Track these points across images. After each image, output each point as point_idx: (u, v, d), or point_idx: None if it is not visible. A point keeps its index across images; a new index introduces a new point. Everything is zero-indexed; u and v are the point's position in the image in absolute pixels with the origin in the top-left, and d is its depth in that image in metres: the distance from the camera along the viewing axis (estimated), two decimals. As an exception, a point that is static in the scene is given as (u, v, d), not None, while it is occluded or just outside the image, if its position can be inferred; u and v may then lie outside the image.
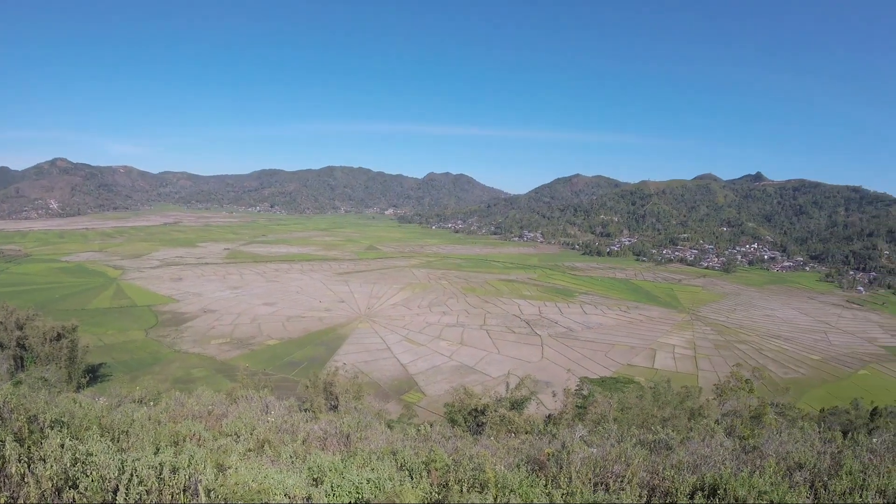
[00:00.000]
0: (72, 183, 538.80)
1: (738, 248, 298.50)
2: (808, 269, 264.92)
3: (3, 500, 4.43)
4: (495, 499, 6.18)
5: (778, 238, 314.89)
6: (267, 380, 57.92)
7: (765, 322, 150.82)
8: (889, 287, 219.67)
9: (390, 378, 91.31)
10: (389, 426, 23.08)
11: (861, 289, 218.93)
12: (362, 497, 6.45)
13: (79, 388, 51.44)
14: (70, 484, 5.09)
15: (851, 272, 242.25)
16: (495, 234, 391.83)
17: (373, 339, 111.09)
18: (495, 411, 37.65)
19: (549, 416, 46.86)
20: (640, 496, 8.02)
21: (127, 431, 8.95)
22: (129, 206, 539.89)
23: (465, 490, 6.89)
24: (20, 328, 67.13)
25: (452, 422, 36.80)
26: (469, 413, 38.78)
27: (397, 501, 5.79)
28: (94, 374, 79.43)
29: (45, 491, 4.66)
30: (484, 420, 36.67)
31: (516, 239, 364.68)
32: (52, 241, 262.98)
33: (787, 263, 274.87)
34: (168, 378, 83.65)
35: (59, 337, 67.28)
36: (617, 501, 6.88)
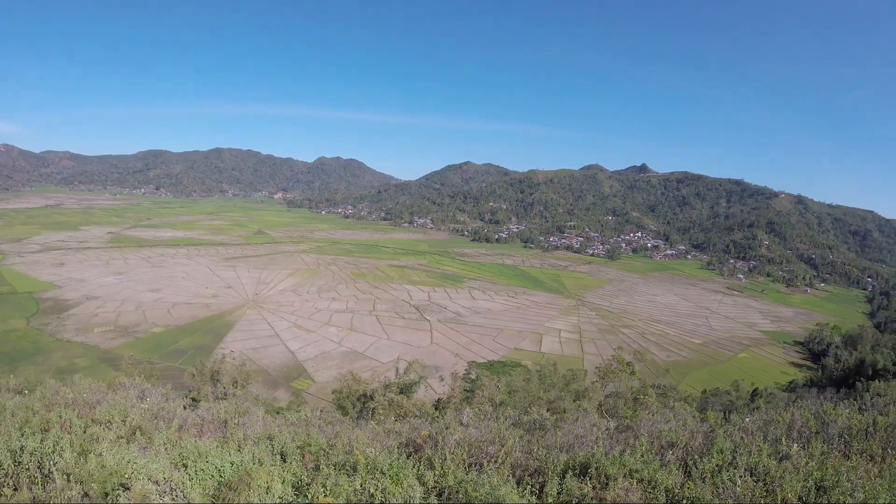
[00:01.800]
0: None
1: (622, 237, 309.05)
2: (689, 257, 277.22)
3: None
4: (363, 480, 6.34)
5: (661, 227, 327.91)
6: (152, 369, 56.21)
7: (648, 307, 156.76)
8: (768, 275, 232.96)
9: (279, 365, 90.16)
10: (277, 412, 22.93)
11: (741, 276, 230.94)
12: (224, 478, 6.51)
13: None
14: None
15: (732, 261, 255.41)
16: (385, 219, 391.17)
17: (261, 326, 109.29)
18: (384, 396, 37.78)
19: (439, 400, 47.31)
20: (511, 475, 8.27)
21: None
22: (9, 188, 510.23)
23: (335, 472, 7.03)
24: None
25: (341, 408, 36.73)
26: (357, 399, 38.79)
27: (250, 479, 5.88)
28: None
29: None
30: (373, 405, 36.74)
31: (406, 225, 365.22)
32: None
33: (669, 252, 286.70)
34: (50, 368, 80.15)
35: None
36: (485, 480, 7.14)
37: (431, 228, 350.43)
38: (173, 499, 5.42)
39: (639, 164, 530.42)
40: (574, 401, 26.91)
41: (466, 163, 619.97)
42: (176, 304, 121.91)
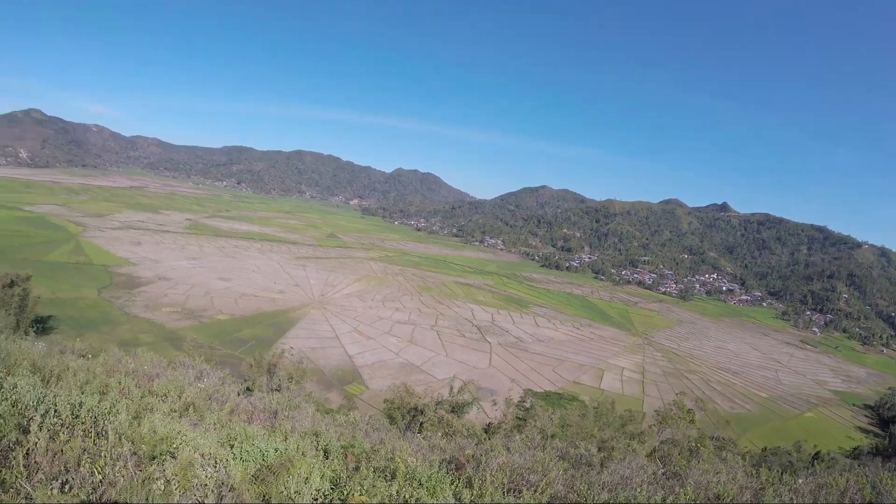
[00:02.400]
0: (43, 135, 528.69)
1: (697, 277, 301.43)
2: (765, 304, 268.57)
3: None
4: (400, 487, 6.39)
5: (738, 271, 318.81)
6: (212, 354, 57.54)
7: (716, 354, 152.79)
8: (844, 331, 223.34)
9: (335, 367, 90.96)
10: (326, 412, 23.15)
11: (816, 330, 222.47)
12: (266, 462, 6.65)
13: (25, 336, 50.74)
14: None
15: (808, 312, 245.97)
16: (457, 236, 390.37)
17: (323, 327, 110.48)
18: (434, 412, 37.79)
19: (489, 424, 47.08)
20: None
21: (59, 376, 9.05)
22: (97, 165, 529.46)
23: (373, 475, 7.10)
24: (-29, 271, 66.11)
25: (390, 418, 36.88)
26: (408, 411, 38.88)
27: (290, 466, 5.99)
28: (42, 326, 77.90)
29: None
30: (422, 420, 36.79)
31: (477, 243, 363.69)
32: (17, 190, 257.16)
33: (744, 297, 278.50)
34: (115, 339, 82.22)
35: (11, 284, 66.30)
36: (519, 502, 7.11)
37: (502, 250, 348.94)
38: (216, 472, 5.57)
39: (720, 203, 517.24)
40: (628, 444, 26.45)
41: (543, 187, 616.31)
42: (244, 294, 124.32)
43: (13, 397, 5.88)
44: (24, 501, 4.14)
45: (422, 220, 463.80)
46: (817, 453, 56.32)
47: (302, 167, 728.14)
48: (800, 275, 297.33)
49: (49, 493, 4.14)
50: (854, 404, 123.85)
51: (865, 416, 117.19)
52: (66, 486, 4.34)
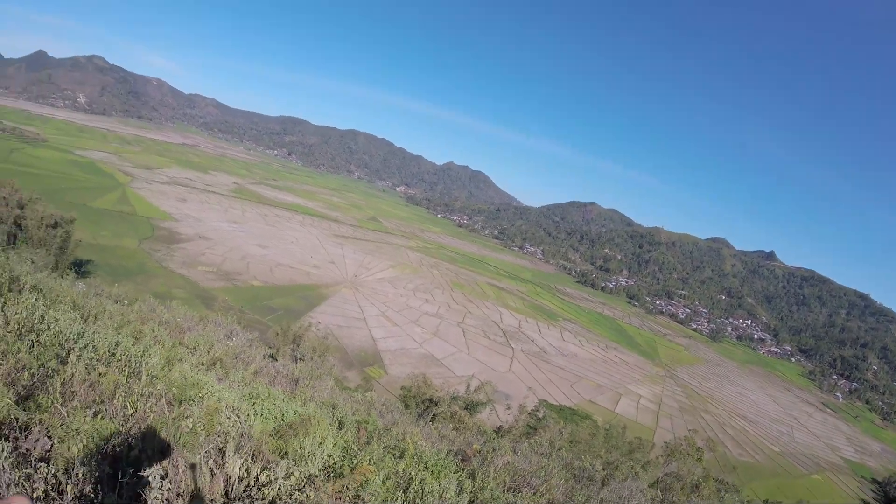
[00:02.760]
0: (103, 82, 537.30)
1: (730, 320, 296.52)
2: (793, 360, 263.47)
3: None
4: (407, 465, 6.62)
5: (773, 322, 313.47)
6: (241, 317, 58.26)
7: (735, 400, 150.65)
8: (867, 402, 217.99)
9: (358, 348, 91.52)
10: (343, 390, 23.53)
11: (839, 395, 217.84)
12: (284, 420, 6.93)
13: (62, 276, 51.88)
14: (32, 329, 5.58)
15: (835, 376, 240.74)
16: (497, 238, 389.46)
17: (352, 307, 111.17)
18: (448, 406, 38.00)
19: (500, 427, 47.13)
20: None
21: (96, 316, 9.42)
22: (153, 119, 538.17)
23: (383, 451, 7.35)
24: (21, 207, 67.43)
25: (405, 405, 37.20)
26: (423, 401, 39.15)
27: (308, 427, 6.24)
28: (79, 269, 79.39)
29: (10, 328, 5.15)
30: (436, 412, 37.05)
31: (516, 249, 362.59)
32: (71, 133, 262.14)
33: (774, 349, 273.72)
34: (149, 290, 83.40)
35: (55, 225, 67.62)
36: (518, 501, 7.30)
37: (540, 259, 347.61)
38: (238, 422, 5.85)
39: (767, 251, 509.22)
40: (631, 465, 26.43)
41: (591, 203, 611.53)
42: (279, 264, 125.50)
43: (55, 328, 6.20)
44: (59, 422, 4.44)
45: (465, 216, 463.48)
46: (816, 517, 55.56)
47: (354, 147, 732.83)
48: (833, 338, 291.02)
49: (83, 419, 4.42)
50: (863, 476, 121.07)
51: (872, 489, 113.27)
52: (100, 416, 4.64)
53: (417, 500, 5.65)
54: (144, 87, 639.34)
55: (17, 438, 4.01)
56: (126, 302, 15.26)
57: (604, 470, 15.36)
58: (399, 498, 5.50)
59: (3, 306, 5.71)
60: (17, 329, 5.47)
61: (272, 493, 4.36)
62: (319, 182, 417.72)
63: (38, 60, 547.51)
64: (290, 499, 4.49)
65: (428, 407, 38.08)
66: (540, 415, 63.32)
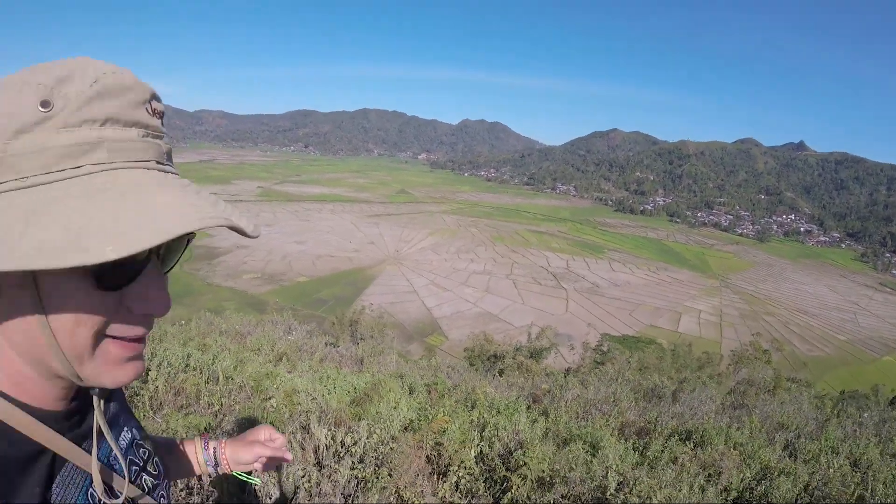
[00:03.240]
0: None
1: (774, 218, 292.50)
2: (843, 245, 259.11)
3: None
4: (480, 413, 6.94)
5: (816, 211, 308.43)
6: (295, 314, 59.07)
7: (794, 296, 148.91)
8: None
9: (414, 320, 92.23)
10: (407, 362, 24.01)
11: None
12: (358, 392, 7.33)
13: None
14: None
15: (888, 254, 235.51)
16: (528, 184, 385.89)
17: (400, 282, 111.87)
18: (513, 358, 38.28)
19: (568, 368, 47.42)
20: (619, 431, 8.65)
21: (160, 338, 9.88)
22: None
23: (455, 404, 7.71)
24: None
25: (470, 364, 37.60)
26: (487, 358, 39.48)
27: (381, 391, 6.62)
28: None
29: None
30: (502, 367, 37.43)
31: (548, 191, 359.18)
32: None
33: (822, 238, 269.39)
34: (200, 309, 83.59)
35: None
36: (590, 426, 7.59)
37: (574, 196, 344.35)
38: (315, 401, 6.23)
39: (796, 142, 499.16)
40: (697, 375, 26.60)
41: (613, 130, 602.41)
42: (320, 256, 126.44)
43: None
44: (160, 423, 4.84)
45: (491, 170, 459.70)
46: (894, 397, 54.94)
47: (367, 125, 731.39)
48: (879, 216, 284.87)
49: (177, 420, 4.83)
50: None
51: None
52: (190, 416, 5.05)
53: (493, 438, 5.97)
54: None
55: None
56: (183, 322, 15.77)
57: (671, 383, 15.62)
58: (475, 438, 5.83)
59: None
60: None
61: (359, 451, 4.72)
62: (341, 167, 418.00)
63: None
64: (376, 452, 4.86)
65: (494, 363, 38.49)
66: (605, 349, 63.52)
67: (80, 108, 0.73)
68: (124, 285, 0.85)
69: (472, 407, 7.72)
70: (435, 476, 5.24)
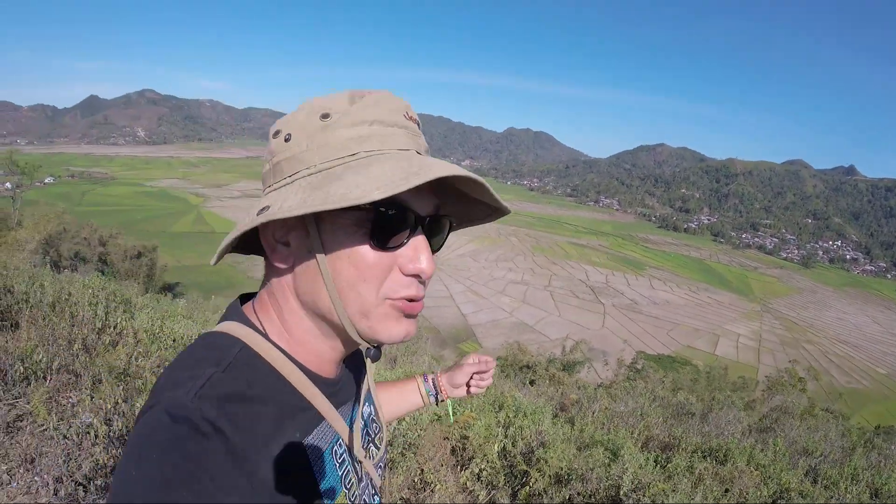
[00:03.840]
0: (158, 113, 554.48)
1: (820, 244, 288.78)
2: (889, 276, 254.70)
3: (108, 341, 5.78)
4: (506, 416, 7.20)
5: (863, 239, 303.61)
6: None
7: (836, 325, 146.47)
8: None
9: (450, 326, 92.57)
10: (439, 363, 24.30)
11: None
12: (385, 378, 7.66)
13: (158, 300, 53.93)
14: (158, 336, 6.45)
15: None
16: (571, 196, 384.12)
17: (437, 287, 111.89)
18: (546, 370, 38.39)
19: (600, 384, 47.37)
20: (643, 444, 8.84)
21: (203, 322, 10.29)
22: (213, 139, 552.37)
23: (484, 404, 7.98)
24: (103, 245, 69.49)
25: (503, 374, 37.76)
26: (520, 368, 39.61)
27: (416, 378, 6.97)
28: (170, 292, 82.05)
29: (139, 338, 6.00)
30: (534, 378, 37.54)
31: (592, 203, 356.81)
32: (137, 167, 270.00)
33: (868, 267, 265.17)
34: None
35: (139, 255, 69.66)
36: (613, 436, 7.80)
37: (617, 210, 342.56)
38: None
39: (846, 165, 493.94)
40: (727, 395, 26.58)
41: (660, 145, 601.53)
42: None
43: (179, 330, 7.03)
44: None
45: (535, 179, 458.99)
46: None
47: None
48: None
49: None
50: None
51: None
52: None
53: (517, 436, 6.24)
54: (199, 111, 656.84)
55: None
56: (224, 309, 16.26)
57: (701, 403, 15.71)
58: (500, 434, 6.11)
59: (129, 320, 6.53)
60: (146, 336, 6.30)
61: (388, 436, 5.05)
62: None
63: (92, 105, 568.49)
64: (405, 437, 5.19)
65: (526, 373, 38.62)
66: (639, 366, 63.19)
67: (353, 113, 0.97)
68: (396, 247, 0.99)
69: (500, 409, 7.98)
70: (459, 467, 5.54)
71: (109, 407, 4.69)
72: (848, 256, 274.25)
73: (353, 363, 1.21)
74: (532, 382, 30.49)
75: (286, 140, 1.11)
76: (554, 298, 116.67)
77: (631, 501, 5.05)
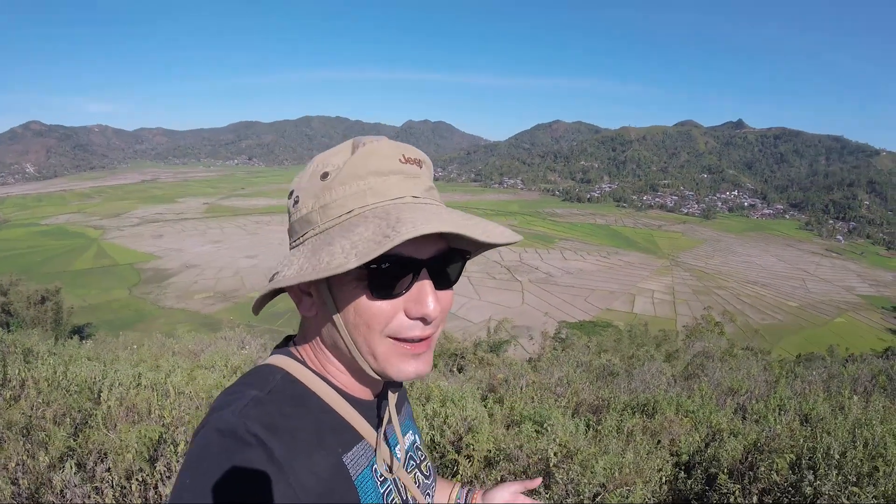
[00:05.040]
0: (47, 145, 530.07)
1: (718, 195, 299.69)
2: (787, 216, 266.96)
3: (9, 395, 5.38)
4: (435, 407, 7.08)
5: (758, 186, 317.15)
6: (251, 330, 58.37)
7: (743, 268, 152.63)
8: (868, 237, 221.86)
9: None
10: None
11: (840, 238, 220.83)
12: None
13: (66, 345, 51.76)
14: (60, 383, 6.07)
15: (831, 221, 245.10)
16: (475, 181, 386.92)
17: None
18: (474, 354, 38.38)
19: (529, 358, 47.62)
20: (574, 410, 8.87)
21: (112, 362, 9.85)
22: (105, 166, 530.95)
23: (411, 399, 7.85)
24: (4, 294, 66.56)
25: (434, 366, 37.56)
26: (449, 357, 39.54)
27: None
28: (80, 335, 78.63)
29: (41, 388, 5.62)
30: (464, 363, 37.54)
31: (496, 186, 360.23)
32: (30, 206, 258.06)
33: (766, 211, 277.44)
34: (153, 333, 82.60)
35: (43, 300, 66.65)
36: (544, 408, 7.78)
37: (522, 189, 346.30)
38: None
39: (734, 120, 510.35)
40: (664, 361, 27.16)
41: (556, 121, 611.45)
42: (272, 268, 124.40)
43: (82, 374, 6.66)
44: (114, 438, 4.95)
45: (438, 169, 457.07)
46: (850, 356, 56.23)
47: (311, 133, 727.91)
48: (820, 185, 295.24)
49: (129, 433, 4.91)
50: (883, 307, 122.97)
51: (895, 317, 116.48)
52: (140, 428, 5.13)
53: (444, 426, 6.13)
54: (88, 138, 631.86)
55: (78, 464, 4.51)
56: (135, 346, 15.64)
57: (622, 362, 15.97)
58: (425, 428, 6.00)
59: (29, 371, 6.17)
60: (48, 385, 5.95)
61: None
62: (287, 177, 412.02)
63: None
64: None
65: (456, 361, 38.62)
66: (563, 336, 63.99)
67: (347, 169, 1.06)
68: (398, 294, 1.08)
69: (427, 400, 7.87)
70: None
71: (13, 466, 4.43)
72: (746, 204, 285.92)
73: (396, 386, 1.51)
74: (461, 369, 30.52)
75: (295, 203, 1.24)
76: (472, 283, 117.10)
77: (561, 471, 5.01)
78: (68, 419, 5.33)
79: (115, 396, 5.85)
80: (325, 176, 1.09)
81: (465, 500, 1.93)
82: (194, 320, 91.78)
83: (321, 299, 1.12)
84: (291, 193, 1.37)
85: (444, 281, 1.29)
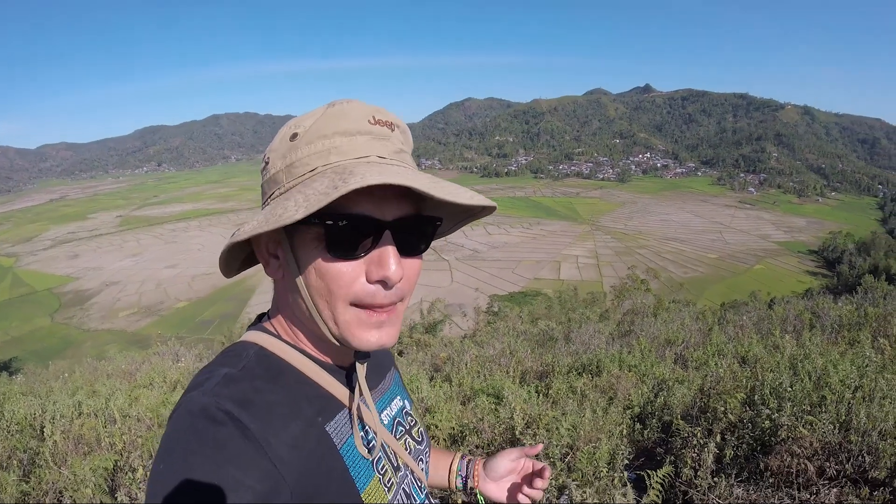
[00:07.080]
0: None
1: (631, 159, 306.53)
2: (700, 174, 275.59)
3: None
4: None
5: (669, 146, 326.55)
6: (182, 342, 57.11)
7: (662, 227, 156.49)
8: (779, 187, 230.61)
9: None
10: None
11: (752, 190, 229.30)
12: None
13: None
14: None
15: (742, 175, 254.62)
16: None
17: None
18: (410, 337, 38.39)
19: (465, 335, 47.89)
20: (520, 379, 8.97)
21: (47, 394, 9.52)
22: (10, 189, 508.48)
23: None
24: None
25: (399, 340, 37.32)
26: (385, 344, 39.43)
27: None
28: (7, 370, 75.94)
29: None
30: (402, 348, 37.50)
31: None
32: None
33: (679, 170, 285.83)
34: (82, 359, 79.98)
35: None
36: (490, 381, 7.84)
37: (439, 169, 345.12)
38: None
39: (642, 85, 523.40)
40: (598, 321, 27.64)
41: (468, 99, 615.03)
42: (195, 276, 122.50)
43: (21, 412, 6.41)
44: (67, 474, 4.77)
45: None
46: (773, 300, 58.09)
47: (220, 131, 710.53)
48: (729, 141, 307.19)
49: (83, 467, 4.73)
50: (799, 252, 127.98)
51: (812, 260, 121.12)
52: (94, 458, 4.95)
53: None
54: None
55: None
56: (66, 374, 15.16)
57: (561, 326, 16.23)
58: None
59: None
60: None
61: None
62: (200, 180, 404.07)
63: None
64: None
65: (394, 346, 38.51)
66: (495, 309, 64.49)
67: (314, 129, 1.01)
68: (358, 256, 1.03)
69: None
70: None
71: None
72: (659, 165, 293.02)
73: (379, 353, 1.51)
74: (400, 353, 30.50)
75: (265, 165, 1.16)
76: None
77: (527, 437, 5.09)
78: (14, 461, 5.12)
79: (59, 430, 5.65)
80: (293, 137, 1.03)
81: (467, 470, 1.89)
82: (122, 339, 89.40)
83: (286, 260, 1.09)
84: (264, 156, 1.23)
85: (409, 247, 1.22)
